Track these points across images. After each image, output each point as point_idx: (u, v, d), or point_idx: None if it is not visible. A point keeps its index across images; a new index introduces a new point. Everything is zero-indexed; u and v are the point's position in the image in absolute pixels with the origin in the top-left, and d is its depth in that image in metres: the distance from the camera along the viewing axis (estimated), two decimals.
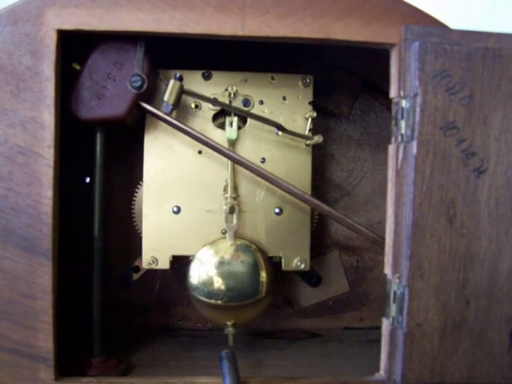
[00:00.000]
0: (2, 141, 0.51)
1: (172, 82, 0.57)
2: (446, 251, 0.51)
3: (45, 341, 0.51)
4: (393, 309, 0.53)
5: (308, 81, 0.65)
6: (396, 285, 0.52)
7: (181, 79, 0.57)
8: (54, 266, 0.52)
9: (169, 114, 0.58)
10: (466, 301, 0.51)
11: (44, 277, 0.51)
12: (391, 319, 0.53)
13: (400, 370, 0.51)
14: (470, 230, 0.51)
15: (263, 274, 0.62)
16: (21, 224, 0.51)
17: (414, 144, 0.50)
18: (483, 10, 0.87)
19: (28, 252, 0.51)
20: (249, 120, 0.64)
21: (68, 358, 0.54)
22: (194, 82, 0.63)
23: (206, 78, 0.64)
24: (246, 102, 0.64)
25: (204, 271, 0.62)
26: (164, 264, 0.64)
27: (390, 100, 0.55)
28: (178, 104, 0.58)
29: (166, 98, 0.57)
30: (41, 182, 0.51)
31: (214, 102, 0.62)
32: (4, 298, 0.51)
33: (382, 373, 0.54)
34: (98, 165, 0.59)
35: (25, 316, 0.51)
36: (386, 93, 0.73)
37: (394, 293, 0.52)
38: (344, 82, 0.72)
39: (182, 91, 0.57)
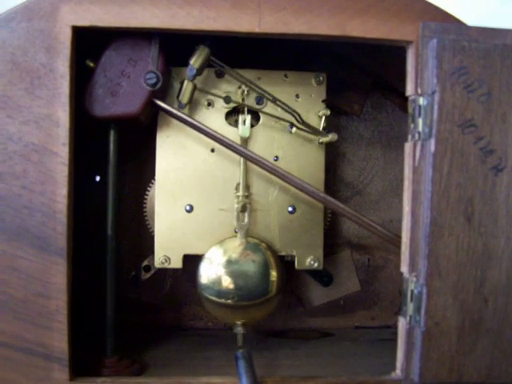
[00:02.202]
0: (17, 138, 0.50)
1: (201, 47, 0.58)
2: (464, 250, 0.51)
3: (59, 341, 0.51)
4: (410, 307, 0.52)
5: (321, 79, 0.64)
6: (413, 283, 0.52)
7: (210, 46, 0.57)
8: (69, 264, 0.51)
9: (192, 79, 0.57)
10: (484, 299, 0.51)
11: (58, 276, 0.51)
12: (408, 318, 0.52)
13: (418, 369, 0.51)
14: (487, 229, 0.51)
15: (273, 273, 0.62)
16: (35, 223, 0.51)
17: (432, 142, 0.50)
18: (492, 8, 0.86)
19: (42, 251, 0.51)
20: (262, 118, 0.64)
21: (80, 357, 0.53)
22: (207, 79, 0.63)
23: (219, 75, 0.63)
24: (259, 100, 0.63)
25: (213, 271, 0.62)
26: (176, 263, 0.63)
27: (406, 98, 0.55)
28: (201, 71, 0.57)
29: (192, 61, 0.57)
30: (55, 180, 0.51)
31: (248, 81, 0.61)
32: (18, 297, 0.51)
33: (398, 372, 0.54)
34: (111, 163, 0.58)
35: (39, 316, 0.51)
36: (398, 91, 0.73)
37: (411, 291, 0.52)
38: (355, 80, 0.72)
39: (208, 59, 0.57)
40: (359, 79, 0.72)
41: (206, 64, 0.58)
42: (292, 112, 0.61)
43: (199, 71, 0.57)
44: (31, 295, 0.51)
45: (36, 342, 0.51)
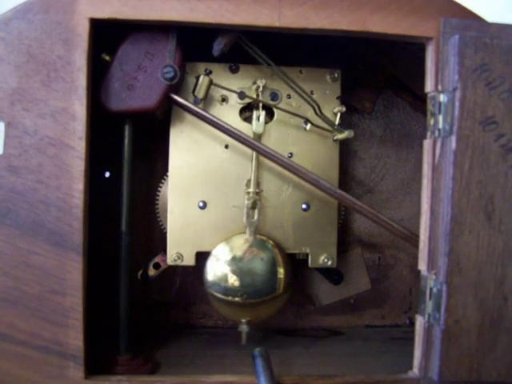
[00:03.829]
0: (32, 132, 0.50)
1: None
2: (484, 247, 0.50)
3: (74, 338, 0.50)
4: (429, 305, 0.52)
5: (336, 75, 0.64)
6: (432, 281, 0.51)
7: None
8: (84, 261, 0.50)
9: (218, 56, 0.56)
10: (504, 298, 0.51)
11: (74, 272, 0.50)
12: (427, 316, 0.52)
13: (437, 368, 0.51)
14: (508, 227, 0.50)
15: (280, 271, 0.61)
16: (50, 218, 0.50)
17: (453, 139, 0.49)
18: (497, 15, 0.86)
19: (58, 247, 0.50)
20: (276, 114, 0.63)
21: (93, 355, 0.53)
22: (221, 74, 0.62)
23: (234, 71, 0.63)
24: (274, 96, 0.63)
25: (220, 268, 0.61)
26: (189, 260, 0.62)
27: (417, 96, 0.54)
28: (227, 47, 0.56)
29: (217, 41, 0.55)
30: (71, 174, 0.50)
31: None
32: (33, 294, 0.50)
33: (415, 370, 0.54)
34: (125, 158, 0.57)
35: (54, 313, 0.50)
36: (409, 89, 0.73)
37: (430, 289, 0.52)
38: (367, 77, 0.71)
39: (236, 38, 0.56)
40: (371, 77, 0.72)
41: (233, 42, 0.56)
42: (312, 102, 0.61)
43: (226, 47, 0.55)
44: (46, 292, 0.50)
45: (51, 340, 0.50)
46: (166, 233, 0.63)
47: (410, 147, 0.74)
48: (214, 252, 0.62)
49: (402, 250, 0.74)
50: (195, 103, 0.57)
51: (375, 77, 0.72)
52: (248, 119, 0.63)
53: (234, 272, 0.60)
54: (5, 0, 0.57)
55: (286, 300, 0.63)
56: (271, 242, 0.62)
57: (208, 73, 0.59)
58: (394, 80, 0.72)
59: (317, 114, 0.61)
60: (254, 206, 0.62)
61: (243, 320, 0.61)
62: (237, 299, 0.60)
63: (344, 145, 0.72)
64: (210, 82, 0.59)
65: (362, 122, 0.74)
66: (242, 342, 0.62)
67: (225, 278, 0.60)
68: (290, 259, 0.63)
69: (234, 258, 0.61)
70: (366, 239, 0.74)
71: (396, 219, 0.73)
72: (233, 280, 0.60)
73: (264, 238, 0.63)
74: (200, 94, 0.58)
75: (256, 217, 0.62)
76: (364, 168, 0.74)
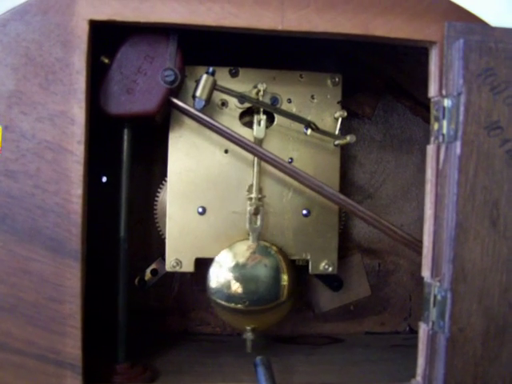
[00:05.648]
0: (30, 136, 0.48)
1: (205, 76, 0.55)
2: (489, 254, 0.50)
3: (72, 347, 0.49)
4: (433, 313, 0.51)
5: (337, 80, 0.63)
6: (436, 288, 0.51)
7: (213, 74, 0.55)
8: (83, 267, 0.49)
9: (200, 111, 0.55)
10: (509, 305, 0.50)
11: (72, 279, 0.49)
12: (431, 324, 0.51)
13: (442, 376, 0.50)
14: None
15: (284, 277, 0.61)
16: (48, 223, 0.49)
17: (458, 144, 0.49)
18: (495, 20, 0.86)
19: (56, 253, 0.49)
20: (276, 119, 0.63)
21: (91, 363, 0.51)
22: (221, 78, 0.61)
23: (233, 75, 0.62)
24: (275, 101, 0.62)
25: (223, 274, 0.60)
26: (188, 267, 0.61)
27: (417, 101, 0.54)
28: (209, 100, 0.55)
29: (198, 93, 0.55)
30: (70, 179, 0.49)
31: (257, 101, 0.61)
32: (30, 301, 0.49)
33: (419, 379, 0.53)
34: (124, 163, 0.56)
35: (51, 320, 0.49)
36: (410, 94, 0.72)
37: (435, 296, 0.51)
38: (367, 82, 0.71)
39: (214, 87, 0.55)
40: (371, 81, 0.71)
41: (213, 92, 0.56)
42: (307, 122, 0.60)
43: (208, 102, 0.56)
44: (43, 299, 0.49)
45: (48, 348, 0.49)
46: (163, 238, 0.62)
47: (409, 152, 0.74)
48: (216, 258, 0.61)
49: (402, 256, 0.73)
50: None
51: (375, 81, 0.71)
52: (247, 124, 0.62)
53: (237, 279, 0.60)
54: (2, 1, 0.56)
55: (291, 307, 0.62)
56: (275, 248, 0.62)
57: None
58: (393, 85, 0.72)
59: (313, 129, 0.61)
60: (256, 212, 0.61)
61: (248, 328, 0.60)
62: (240, 306, 0.59)
63: (344, 150, 0.71)
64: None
65: (361, 127, 0.73)
66: (246, 350, 0.60)
67: (228, 285, 0.60)
68: (293, 265, 0.62)
69: (237, 265, 0.60)
70: (365, 245, 0.74)
71: (396, 225, 0.73)
72: (236, 287, 0.59)
73: (267, 244, 0.62)
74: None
75: (259, 223, 0.61)
76: (364, 173, 0.74)
